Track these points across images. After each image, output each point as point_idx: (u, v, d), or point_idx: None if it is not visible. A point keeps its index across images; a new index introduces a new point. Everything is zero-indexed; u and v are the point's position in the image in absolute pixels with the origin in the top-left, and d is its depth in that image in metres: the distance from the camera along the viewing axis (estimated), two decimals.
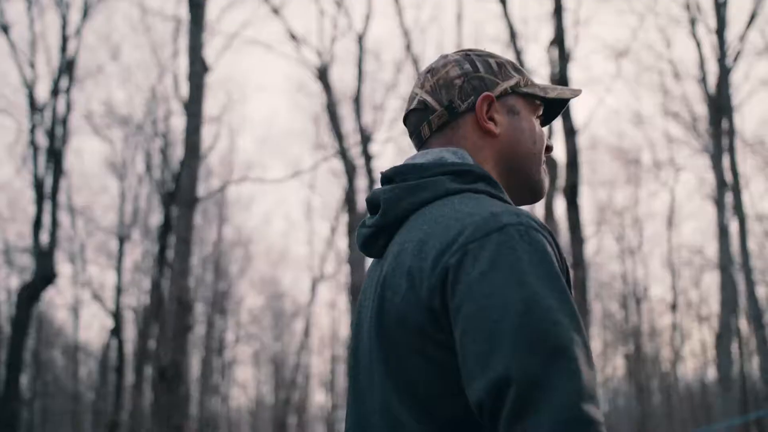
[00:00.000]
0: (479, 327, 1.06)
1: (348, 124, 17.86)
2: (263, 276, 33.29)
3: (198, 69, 5.43)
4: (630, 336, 31.77)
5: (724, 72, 16.92)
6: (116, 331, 21.96)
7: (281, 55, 24.29)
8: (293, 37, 16.85)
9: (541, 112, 1.44)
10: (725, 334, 16.65)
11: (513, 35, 15.89)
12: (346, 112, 18.07)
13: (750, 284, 16.72)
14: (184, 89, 19.61)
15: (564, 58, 14.05)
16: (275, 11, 16.88)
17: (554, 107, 1.50)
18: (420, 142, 1.41)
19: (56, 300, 28.12)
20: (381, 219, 1.31)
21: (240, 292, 32.22)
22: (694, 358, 34.02)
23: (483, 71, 1.39)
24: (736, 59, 17.06)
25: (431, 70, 1.42)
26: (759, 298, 23.96)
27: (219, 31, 18.67)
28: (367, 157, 16.51)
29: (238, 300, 32.14)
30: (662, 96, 20.90)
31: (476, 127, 1.36)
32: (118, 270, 22.33)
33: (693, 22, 17.95)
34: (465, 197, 1.24)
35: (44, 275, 15.87)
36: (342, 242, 25.23)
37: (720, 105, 17.12)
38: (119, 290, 22.11)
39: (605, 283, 32.09)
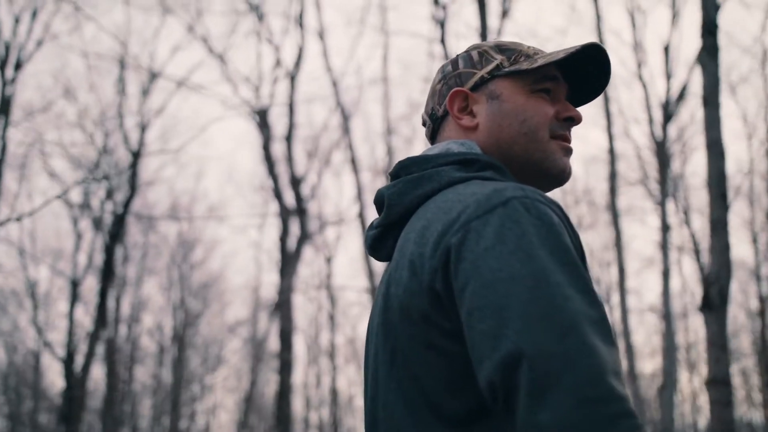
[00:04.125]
0: (486, 304, 0.98)
1: (298, 166, 17.69)
2: (235, 318, 32.87)
3: None
4: None
5: (667, 115, 16.72)
6: (67, 378, 21.53)
7: (219, 98, 24.10)
8: (229, 79, 16.76)
9: (547, 84, 1.31)
10: (668, 384, 16.14)
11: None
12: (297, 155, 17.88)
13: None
14: (132, 131, 19.58)
15: None
16: (213, 53, 16.82)
17: (582, 75, 1.36)
18: None
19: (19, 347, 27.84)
20: (386, 217, 1.26)
21: (212, 335, 31.84)
22: (685, 404, 33.41)
23: (462, 67, 1.34)
24: (679, 102, 16.84)
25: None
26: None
27: (167, 74, 18.48)
28: (299, 198, 16.28)
29: (209, 342, 31.77)
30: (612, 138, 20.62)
31: (456, 125, 1.32)
32: (70, 314, 22.03)
33: (639, 65, 17.78)
34: (471, 183, 1.16)
35: None
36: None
37: (664, 148, 16.89)
38: (71, 336, 21.76)
39: None
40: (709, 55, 6.15)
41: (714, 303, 5.86)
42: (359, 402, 31.72)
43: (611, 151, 14.72)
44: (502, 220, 1.03)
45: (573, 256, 1.03)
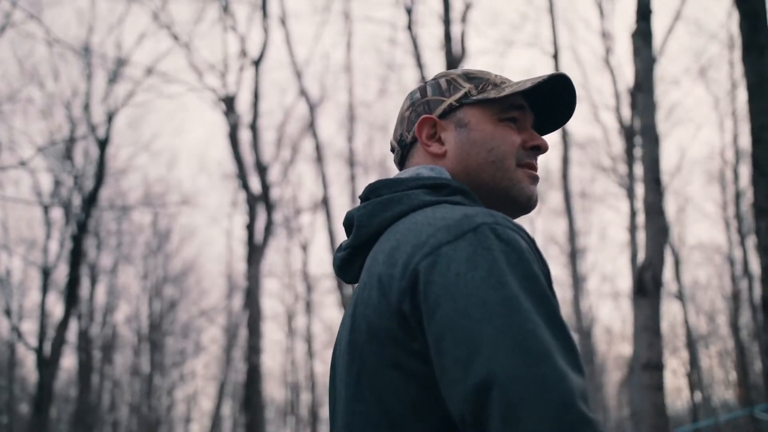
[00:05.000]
0: (458, 330, 0.99)
1: (265, 154, 17.57)
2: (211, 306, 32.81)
3: None
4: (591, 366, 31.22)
5: (634, 101, 16.71)
6: (39, 367, 21.34)
7: (187, 86, 23.75)
8: (195, 67, 16.64)
9: (513, 113, 1.33)
10: (636, 368, 16.19)
11: (420, 65, 15.65)
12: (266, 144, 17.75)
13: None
14: (99, 120, 19.42)
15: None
16: (178, 40, 16.68)
17: (548, 104, 1.39)
18: None
19: None
20: (355, 238, 1.27)
21: (190, 323, 31.74)
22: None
23: (430, 94, 1.36)
24: None
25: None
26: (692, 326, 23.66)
27: (134, 62, 18.33)
28: (265, 187, 16.20)
29: (188, 330, 31.69)
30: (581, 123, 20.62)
31: (425, 152, 1.34)
32: (42, 304, 21.87)
33: (608, 51, 17.76)
34: (440, 207, 1.17)
35: None
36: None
37: (631, 134, 16.89)
38: (42, 325, 21.60)
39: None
40: (642, 40, 6.12)
41: (648, 288, 5.86)
42: None
43: (564, 137, 14.70)
44: (474, 246, 1.05)
45: (542, 285, 1.04)
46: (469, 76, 1.36)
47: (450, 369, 0.99)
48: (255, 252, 16.06)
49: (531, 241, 1.12)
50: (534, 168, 1.34)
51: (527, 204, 1.33)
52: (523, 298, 1.00)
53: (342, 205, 21.49)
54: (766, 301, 6.58)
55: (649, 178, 5.97)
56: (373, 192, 1.29)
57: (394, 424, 1.08)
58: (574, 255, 14.30)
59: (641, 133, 6.08)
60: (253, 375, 15.78)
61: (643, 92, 6.09)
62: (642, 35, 6.12)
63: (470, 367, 0.96)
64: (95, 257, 25.87)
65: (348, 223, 1.31)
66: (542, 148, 1.35)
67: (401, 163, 1.41)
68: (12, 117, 20.71)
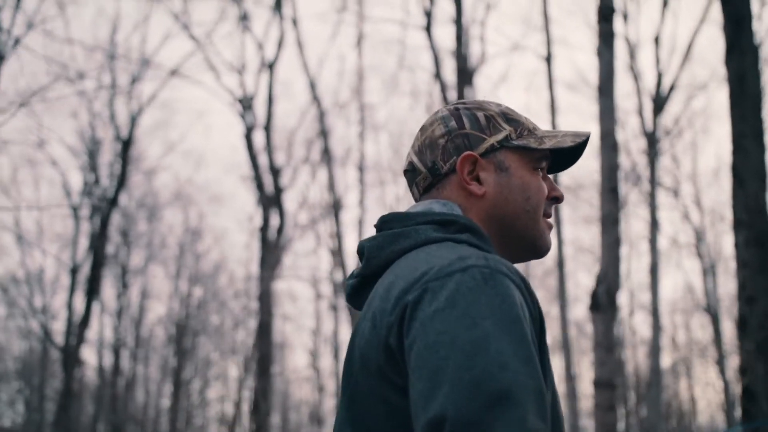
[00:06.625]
0: (425, 365, 1.02)
1: (278, 156, 17.55)
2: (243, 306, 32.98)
3: None
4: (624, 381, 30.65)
5: (657, 107, 16.32)
6: (65, 366, 21.59)
7: (207, 88, 23.74)
8: (213, 68, 16.71)
9: (543, 163, 1.35)
10: (654, 381, 15.76)
11: (437, 64, 15.49)
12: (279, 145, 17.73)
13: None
14: (120, 116, 19.63)
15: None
16: (196, 41, 16.77)
17: (564, 153, 1.41)
18: (415, 201, 1.40)
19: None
20: (365, 268, 1.30)
21: (223, 324, 31.97)
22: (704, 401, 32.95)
23: (468, 127, 1.34)
24: (670, 93, 16.42)
25: (422, 129, 1.40)
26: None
27: (158, 62, 18.46)
28: (278, 189, 16.17)
29: (221, 331, 31.92)
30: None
31: (460, 187, 1.32)
32: (69, 302, 22.10)
33: (632, 54, 17.34)
34: (444, 245, 1.20)
35: None
36: None
37: (654, 139, 16.48)
38: (69, 323, 21.83)
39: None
40: (604, 42, 5.87)
41: (602, 303, 5.60)
42: None
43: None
44: (458, 286, 1.06)
45: (521, 328, 1.03)
46: (508, 117, 1.35)
47: (415, 402, 1.01)
48: (268, 254, 16.04)
49: (525, 287, 1.12)
50: (551, 217, 1.37)
51: (545, 253, 1.36)
52: (496, 339, 1.00)
53: (344, 211, 21.26)
54: (742, 318, 6.27)
55: (605, 187, 5.72)
56: (385, 224, 1.31)
57: None
58: (561, 266, 13.96)
59: (600, 139, 5.82)
60: (264, 380, 15.75)
61: (603, 96, 5.84)
62: (604, 38, 5.87)
63: (429, 402, 0.98)
64: (126, 257, 26.16)
65: (360, 253, 1.33)
66: (560, 200, 1.37)
67: (427, 189, 1.37)
68: (41, 115, 21.03)
